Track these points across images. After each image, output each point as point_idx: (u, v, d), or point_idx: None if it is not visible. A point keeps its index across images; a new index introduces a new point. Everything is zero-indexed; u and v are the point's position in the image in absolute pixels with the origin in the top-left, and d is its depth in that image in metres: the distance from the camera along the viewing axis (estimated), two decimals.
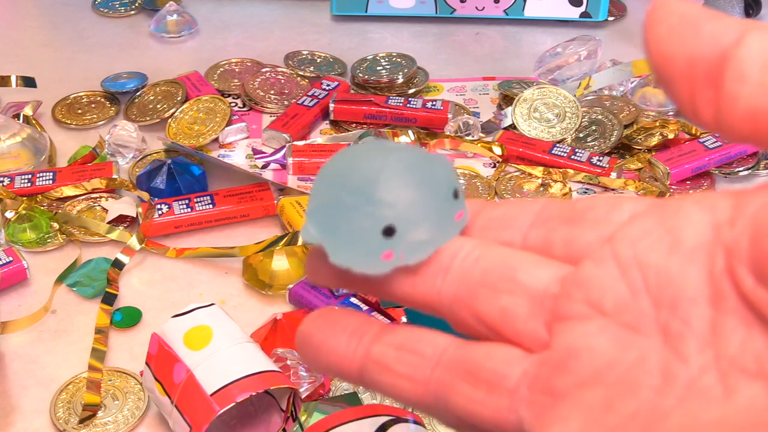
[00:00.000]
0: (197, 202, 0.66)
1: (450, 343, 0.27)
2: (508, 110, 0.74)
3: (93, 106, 0.78)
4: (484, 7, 0.86)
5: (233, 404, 0.47)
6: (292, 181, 0.68)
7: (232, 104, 0.76)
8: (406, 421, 0.46)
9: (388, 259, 0.28)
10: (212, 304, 0.52)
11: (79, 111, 0.77)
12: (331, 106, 0.74)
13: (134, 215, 0.66)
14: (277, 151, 0.70)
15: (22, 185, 0.67)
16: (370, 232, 0.28)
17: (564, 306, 0.25)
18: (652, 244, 0.24)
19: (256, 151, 0.70)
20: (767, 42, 0.22)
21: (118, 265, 0.62)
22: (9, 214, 0.65)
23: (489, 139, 0.72)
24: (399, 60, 0.81)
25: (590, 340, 0.25)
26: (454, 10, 0.86)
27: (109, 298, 0.59)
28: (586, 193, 0.67)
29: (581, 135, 0.72)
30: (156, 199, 0.66)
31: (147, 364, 0.51)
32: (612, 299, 0.25)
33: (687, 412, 0.23)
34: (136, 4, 0.91)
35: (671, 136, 0.71)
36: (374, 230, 0.28)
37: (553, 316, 0.26)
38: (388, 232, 0.28)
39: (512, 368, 0.26)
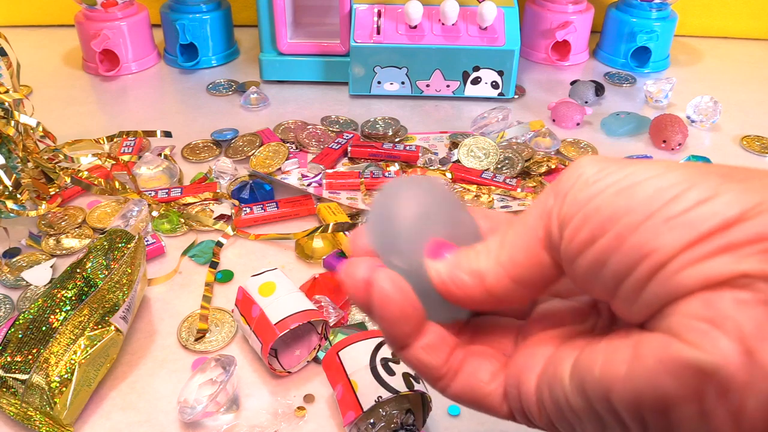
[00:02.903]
0: (268, 206, 0.64)
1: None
2: (456, 151, 0.72)
3: (205, 148, 0.75)
4: (440, 89, 0.84)
5: (288, 330, 0.45)
6: (325, 194, 0.66)
7: (290, 147, 0.74)
8: None
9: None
10: (276, 268, 0.50)
11: (197, 151, 0.75)
12: (349, 148, 0.72)
13: (230, 214, 0.64)
14: (316, 175, 0.68)
15: (162, 196, 0.65)
16: (453, 312, 0.23)
17: None
18: None
19: (303, 176, 0.69)
20: None
21: (219, 244, 0.60)
22: (154, 213, 0.63)
23: (444, 168, 0.70)
24: (389, 121, 0.79)
25: None
26: (422, 91, 0.84)
27: (214, 265, 0.57)
28: (503, 200, 0.65)
29: (499, 166, 0.70)
30: (243, 204, 0.64)
31: (236, 305, 0.49)
32: None
33: None
34: (232, 88, 0.89)
35: (554, 166, 0.70)
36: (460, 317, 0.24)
37: None
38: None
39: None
